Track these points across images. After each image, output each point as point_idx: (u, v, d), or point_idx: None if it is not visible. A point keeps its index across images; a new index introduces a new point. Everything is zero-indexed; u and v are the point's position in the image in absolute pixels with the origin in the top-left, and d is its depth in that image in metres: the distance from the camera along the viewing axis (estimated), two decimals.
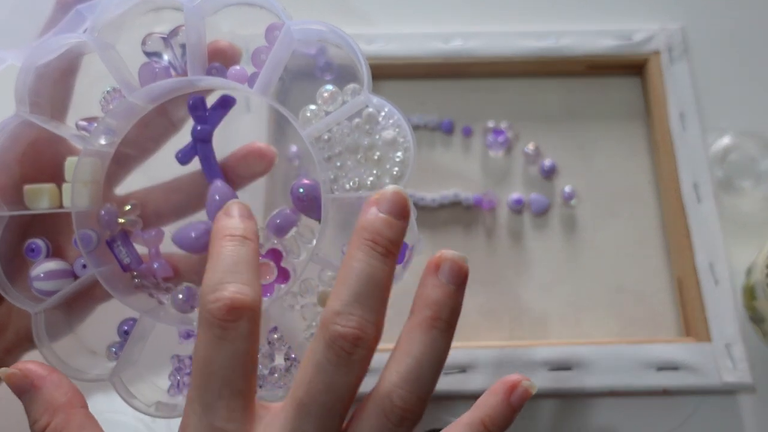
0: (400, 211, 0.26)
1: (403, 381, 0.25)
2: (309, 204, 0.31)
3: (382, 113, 0.30)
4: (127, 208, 0.32)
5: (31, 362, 0.27)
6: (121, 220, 0.32)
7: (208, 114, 0.33)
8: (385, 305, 0.26)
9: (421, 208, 0.47)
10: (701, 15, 0.52)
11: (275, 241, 0.31)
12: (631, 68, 0.50)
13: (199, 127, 0.33)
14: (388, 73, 0.50)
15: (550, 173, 0.48)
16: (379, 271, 0.26)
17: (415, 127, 0.49)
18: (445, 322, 0.26)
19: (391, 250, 0.26)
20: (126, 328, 0.32)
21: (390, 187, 0.27)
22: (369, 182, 0.30)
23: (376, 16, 0.53)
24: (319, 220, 0.30)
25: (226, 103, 0.33)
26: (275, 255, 0.31)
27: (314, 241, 0.31)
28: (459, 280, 0.27)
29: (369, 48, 0.49)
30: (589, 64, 0.50)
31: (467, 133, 0.49)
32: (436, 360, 0.26)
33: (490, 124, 0.49)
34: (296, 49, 0.32)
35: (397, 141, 0.30)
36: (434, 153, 0.49)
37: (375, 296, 0.25)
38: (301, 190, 0.31)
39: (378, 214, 0.26)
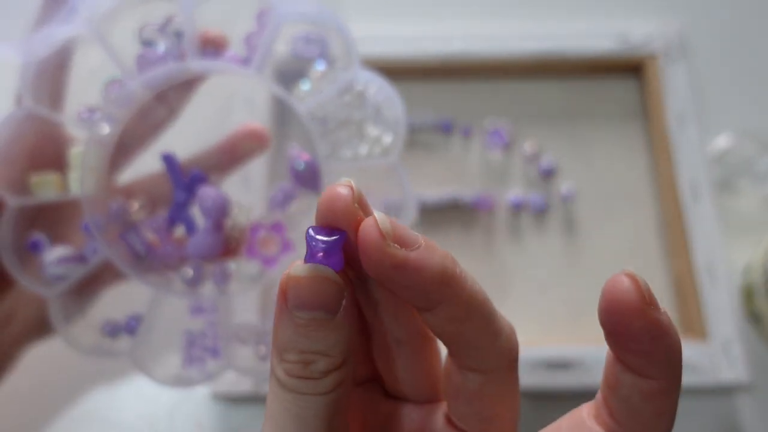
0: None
1: None
2: (308, 178, 0.32)
3: (373, 87, 0.31)
4: (136, 208, 0.33)
5: None
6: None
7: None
8: None
9: (421, 208, 0.47)
10: (699, 16, 0.53)
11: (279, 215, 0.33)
12: (629, 69, 0.51)
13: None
14: (388, 73, 0.50)
15: (549, 173, 0.48)
16: None
17: (415, 127, 0.49)
18: None
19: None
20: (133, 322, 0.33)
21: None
22: (364, 153, 0.31)
23: (376, 17, 0.53)
24: (318, 192, 0.32)
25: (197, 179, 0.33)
26: (278, 228, 0.32)
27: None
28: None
29: (368, 49, 0.49)
30: (588, 65, 0.50)
31: (466, 133, 0.49)
32: None
33: (490, 124, 0.49)
34: (297, 50, 0.32)
35: (386, 114, 0.31)
36: (434, 153, 0.49)
37: None
38: (302, 165, 0.32)
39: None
